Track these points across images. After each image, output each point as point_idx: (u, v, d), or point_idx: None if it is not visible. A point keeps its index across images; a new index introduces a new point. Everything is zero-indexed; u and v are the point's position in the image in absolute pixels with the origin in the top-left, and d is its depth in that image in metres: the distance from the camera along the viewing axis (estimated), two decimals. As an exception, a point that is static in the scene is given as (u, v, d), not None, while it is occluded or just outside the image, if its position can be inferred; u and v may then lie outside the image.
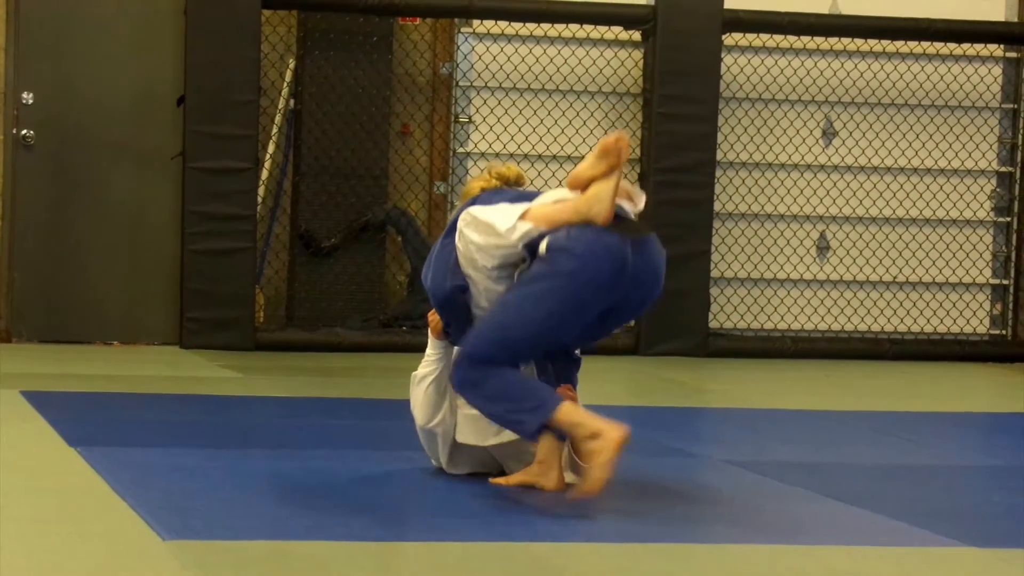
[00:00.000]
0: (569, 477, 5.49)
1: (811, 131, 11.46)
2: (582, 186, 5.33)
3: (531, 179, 11.07)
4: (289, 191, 10.87)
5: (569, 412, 5.22)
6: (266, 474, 5.83)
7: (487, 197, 5.62)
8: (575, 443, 5.32)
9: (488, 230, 5.36)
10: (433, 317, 5.71)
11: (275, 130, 10.71)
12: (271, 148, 10.69)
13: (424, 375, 5.73)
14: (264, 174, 10.65)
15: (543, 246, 5.29)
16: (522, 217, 5.36)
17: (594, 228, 5.28)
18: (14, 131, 10.35)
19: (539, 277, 5.28)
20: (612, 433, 5.18)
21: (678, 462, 6.62)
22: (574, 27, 11.01)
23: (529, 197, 5.61)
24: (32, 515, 5.03)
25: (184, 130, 10.29)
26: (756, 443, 7.37)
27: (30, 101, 10.36)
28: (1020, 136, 11.63)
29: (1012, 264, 11.66)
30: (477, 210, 5.45)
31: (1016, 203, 11.63)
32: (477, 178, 5.85)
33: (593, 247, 5.25)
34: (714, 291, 11.22)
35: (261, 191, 10.57)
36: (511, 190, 5.71)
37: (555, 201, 5.47)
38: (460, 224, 5.45)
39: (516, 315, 5.29)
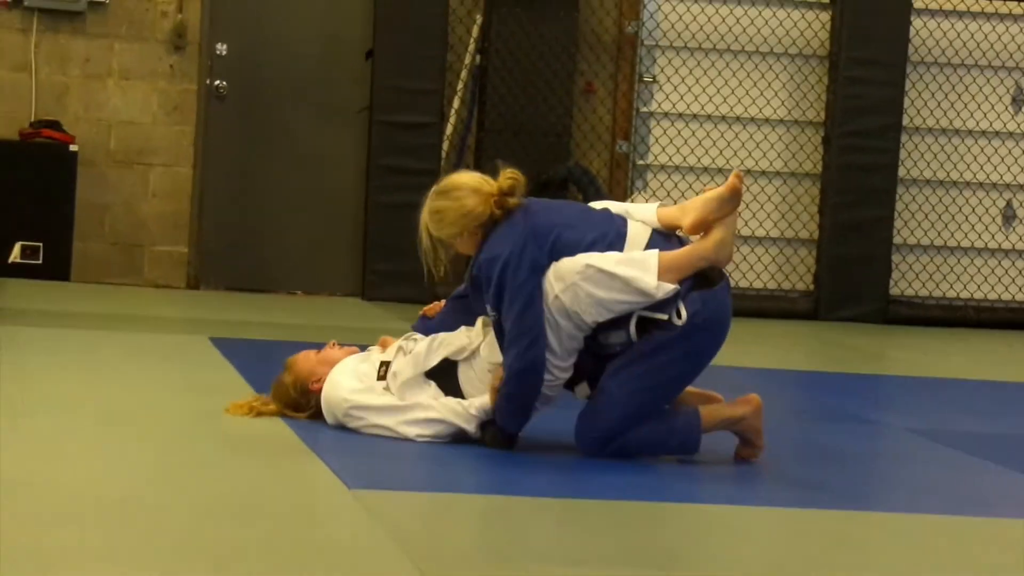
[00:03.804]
0: None
1: (1000, 97, 11.27)
2: (707, 228, 5.39)
3: (714, 140, 11.05)
4: (472, 147, 10.97)
5: (710, 415, 5.49)
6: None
7: (544, 223, 5.42)
8: (732, 430, 5.54)
9: (622, 286, 5.30)
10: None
11: (460, 86, 10.80)
12: (456, 104, 10.79)
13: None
14: (448, 129, 10.76)
15: (682, 316, 5.33)
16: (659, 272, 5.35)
17: (723, 292, 5.41)
18: (208, 81, 10.58)
19: (680, 355, 5.37)
20: (752, 409, 5.49)
21: (856, 428, 6.61)
22: (761, -12, 10.95)
23: (580, 211, 5.55)
24: (222, 460, 5.18)
25: (372, 84, 10.44)
26: (936, 412, 7.32)
27: (224, 52, 10.58)
28: None
29: None
30: (595, 260, 5.31)
31: None
32: (466, 196, 5.78)
33: (721, 315, 5.42)
34: (896, 258, 11.10)
35: (445, 146, 10.69)
36: (551, 207, 5.58)
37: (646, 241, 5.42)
38: (576, 278, 5.29)
39: (658, 391, 5.41)
